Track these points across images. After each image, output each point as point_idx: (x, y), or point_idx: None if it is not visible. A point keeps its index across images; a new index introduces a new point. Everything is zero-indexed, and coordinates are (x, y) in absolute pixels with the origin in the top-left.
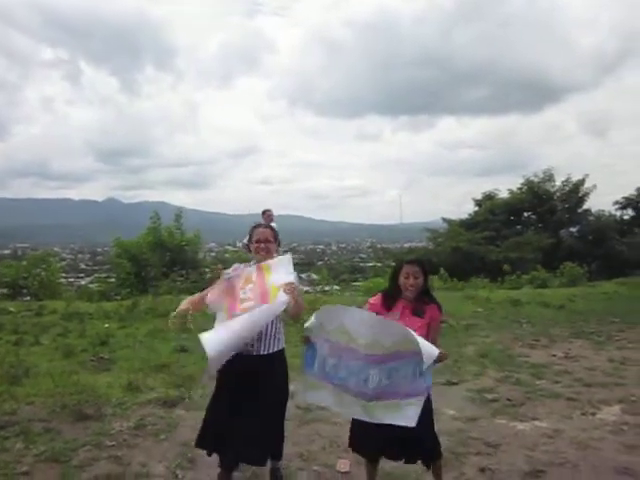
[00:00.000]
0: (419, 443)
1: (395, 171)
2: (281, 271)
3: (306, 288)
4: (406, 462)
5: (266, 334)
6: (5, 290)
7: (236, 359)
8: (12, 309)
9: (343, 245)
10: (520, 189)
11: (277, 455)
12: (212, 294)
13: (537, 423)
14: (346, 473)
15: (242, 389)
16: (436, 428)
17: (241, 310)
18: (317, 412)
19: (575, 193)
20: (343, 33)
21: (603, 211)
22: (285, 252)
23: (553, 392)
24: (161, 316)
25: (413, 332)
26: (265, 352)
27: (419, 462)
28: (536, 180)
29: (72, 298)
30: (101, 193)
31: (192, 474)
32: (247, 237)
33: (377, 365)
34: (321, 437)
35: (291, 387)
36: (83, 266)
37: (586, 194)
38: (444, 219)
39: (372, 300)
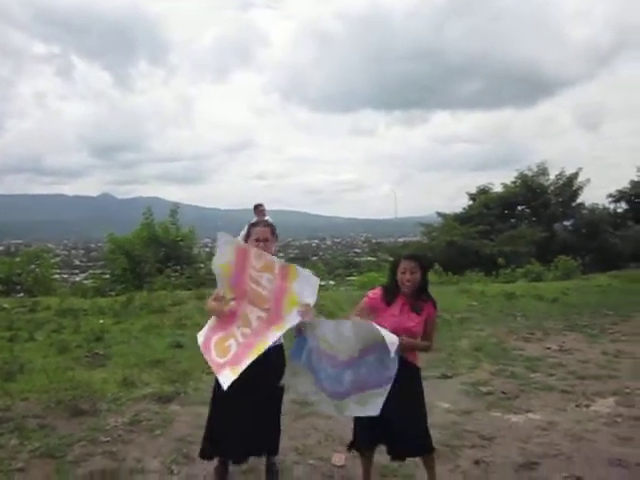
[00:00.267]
0: (409, 436)
1: (390, 166)
2: (306, 288)
3: None
4: (393, 459)
5: None
6: None
7: None
8: (6, 305)
9: (338, 240)
10: (514, 183)
11: (273, 450)
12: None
13: (531, 415)
14: (342, 467)
15: (240, 385)
16: (430, 421)
17: (250, 292)
18: (313, 406)
19: (569, 187)
20: (336, 26)
21: (597, 204)
22: (287, 259)
23: (547, 385)
24: (156, 312)
25: (375, 324)
26: None
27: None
28: (530, 174)
29: (66, 294)
30: (95, 188)
31: (187, 469)
32: (242, 232)
33: (350, 367)
34: (317, 431)
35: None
36: (77, 262)
37: (580, 188)
38: (438, 213)
39: (371, 294)
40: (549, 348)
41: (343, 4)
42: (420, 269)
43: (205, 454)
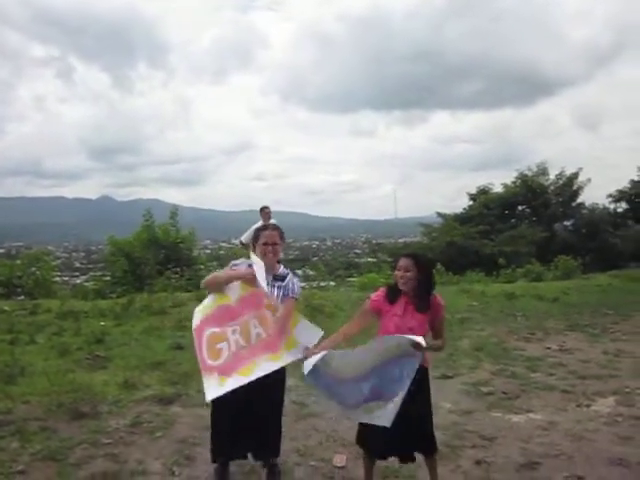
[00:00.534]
0: (420, 437)
1: (390, 166)
2: (306, 337)
3: (302, 284)
4: (401, 462)
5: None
6: None
7: None
8: (7, 308)
9: (338, 240)
10: (514, 183)
11: (275, 452)
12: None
13: (532, 415)
14: (343, 468)
15: (241, 386)
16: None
17: (239, 324)
18: (313, 407)
19: (569, 187)
20: (336, 28)
21: (597, 204)
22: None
23: (548, 385)
24: (156, 314)
25: (392, 336)
26: None
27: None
28: (530, 174)
29: (67, 297)
30: (95, 191)
31: (189, 471)
32: (246, 234)
33: (366, 379)
34: (318, 432)
35: (288, 382)
36: (78, 264)
37: (580, 187)
38: (439, 214)
39: (374, 296)
40: (549, 348)
41: (344, 6)
42: (416, 267)
43: (216, 458)
